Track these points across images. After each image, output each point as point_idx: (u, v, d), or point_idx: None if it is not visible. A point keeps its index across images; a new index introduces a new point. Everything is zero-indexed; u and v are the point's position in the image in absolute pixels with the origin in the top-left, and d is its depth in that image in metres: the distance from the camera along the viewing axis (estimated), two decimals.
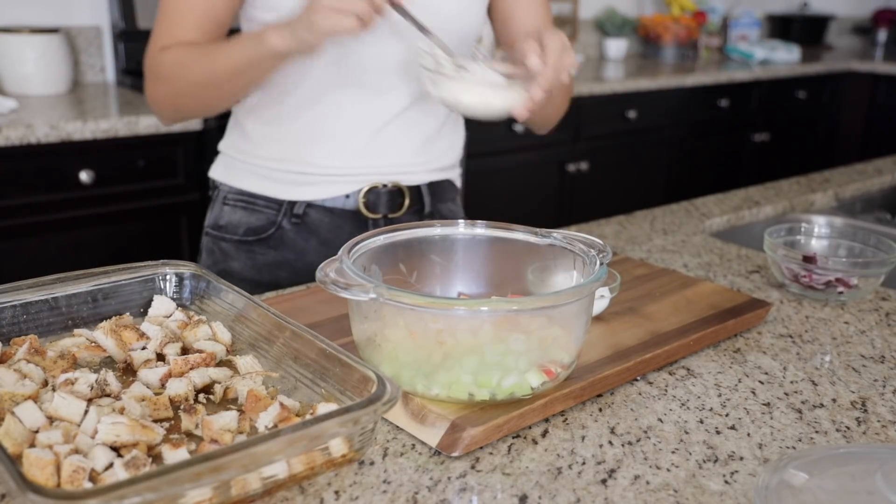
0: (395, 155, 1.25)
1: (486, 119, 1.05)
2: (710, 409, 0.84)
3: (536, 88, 1.00)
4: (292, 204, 1.25)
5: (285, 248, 1.27)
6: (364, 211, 1.25)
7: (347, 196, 1.24)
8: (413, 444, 0.76)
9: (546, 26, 1.28)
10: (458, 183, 1.38)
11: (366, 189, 1.24)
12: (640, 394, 0.87)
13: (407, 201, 1.27)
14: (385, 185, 1.25)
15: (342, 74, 1.19)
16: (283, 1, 1.13)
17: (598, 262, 0.82)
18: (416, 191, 1.28)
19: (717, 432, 0.80)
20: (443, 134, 1.30)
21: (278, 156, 1.23)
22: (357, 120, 1.22)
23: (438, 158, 1.30)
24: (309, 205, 1.25)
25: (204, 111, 1.24)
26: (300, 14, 1.03)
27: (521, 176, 3.06)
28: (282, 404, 0.71)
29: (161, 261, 0.94)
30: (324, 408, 0.70)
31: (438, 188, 1.32)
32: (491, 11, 1.30)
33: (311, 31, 1.02)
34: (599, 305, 0.97)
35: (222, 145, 1.32)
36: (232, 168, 1.29)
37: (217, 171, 1.32)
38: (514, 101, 1.02)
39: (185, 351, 0.83)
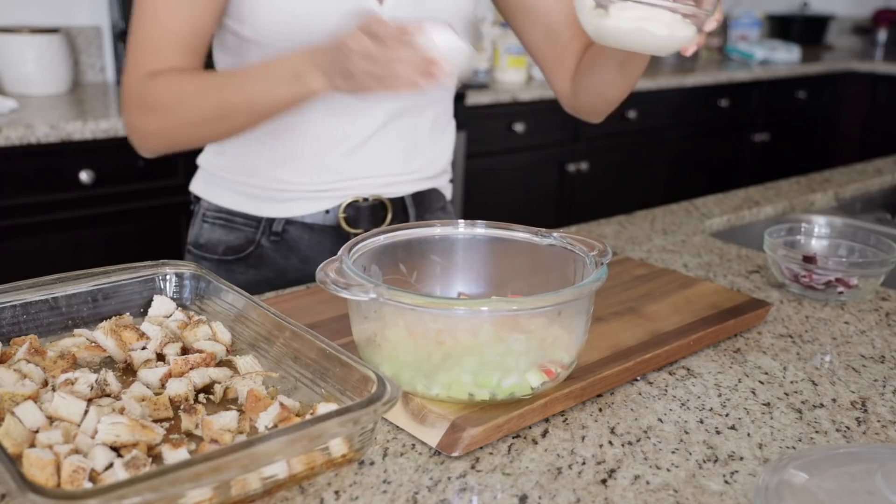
0: (376, 169, 1.19)
1: (656, 53, 0.94)
2: (710, 409, 0.84)
3: (712, 21, 0.91)
4: (270, 221, 1.20)
5: (265, 266, 1.23)
6: (345, 226, 1.20)
7: (327, 212, 1.20)
8: (413, 444, 0.76)
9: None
10: (448, 190, 1.33)
11: (346, 204, 1.19)
12: (640, 394, 0.87)
13: (390, 214, 1.22)
14: (366, 199, 1.20)
15: (314, 110, 1.13)
16: (254, 14, 1.06)
17: (598, 263, 0.82)
18: (399, 203, 1.23)
19: (717, 432, 0.80)
20: (427, 143, 1.24)
21: (254, 173, 1.18)
22: (335, 137, 1.16)
23: (423, 168, 1.24)
24: (288, 222, 1.20)
25: (201, 144, 1.16)
26: (329, 55, 0.93)
27: (521, 176, 3.07)
28: (282, 404, 0.71)
29: (161, 261, 0.94)
30: (324, 408, 0.70)
31: (424, 198, 1.27)
32: None
33: (351, 85, 0.92)
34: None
35: (200, 159, 1.27)
36: (210, 183, 1.24)
37: (197, 186, 1.27)
38: (693, 32, 0.92)
39: (185, 351, 0.83)
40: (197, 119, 1.04)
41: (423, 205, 1.27)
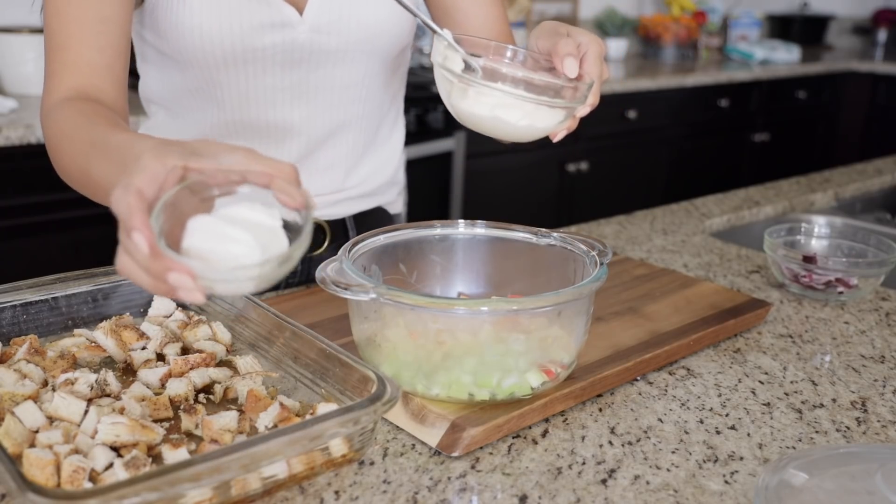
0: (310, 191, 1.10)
1: (515, 141, 0.88)
2: (710, 409, 0.84)
3: (585, 107, 0.86)
4: None
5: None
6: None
7: None
8: (413, 444, 0.76)
9: (502, 26, 1.15)
10: (398, 205, 1.27)
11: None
12: (640, 394, 0.87)
13: (328, 238, 1.15)
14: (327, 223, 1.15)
15: (242, 113, 1.05)
16: (167, 31, 0.98)
17: (598, 263, 0.82)
18: (339, 224, 1.17)
19: (717, 432, 0.80)
20: (366, 159, 1.17)
21: None
22: (265, 137, 1.07)
23: (362, 184, 1.17)
24: None
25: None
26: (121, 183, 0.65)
27: (521, 176, 3.07)
28: (282, 404, 0.71)
29: None
30: (324, 408, 0.70)
31: (367, 218, 1.19)
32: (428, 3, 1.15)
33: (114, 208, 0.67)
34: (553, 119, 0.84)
35: None
36: None
37: None
38: (559, 120, 0.85)
39: (185, 351, 0.83)
40: (67, 171, 0.94)
41: (365, 225, 1.18)
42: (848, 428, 0.82)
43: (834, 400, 0.87)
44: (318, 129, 1.10)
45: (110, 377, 0.74)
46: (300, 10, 1.02)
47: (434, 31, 0.85)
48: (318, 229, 1.14)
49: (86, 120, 0.87)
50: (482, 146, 2.88)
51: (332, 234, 1.16)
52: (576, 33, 0.89)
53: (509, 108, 0.83)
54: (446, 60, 0.84)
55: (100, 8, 0.92)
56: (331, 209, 1.15)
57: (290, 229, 0.64)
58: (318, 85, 1.07)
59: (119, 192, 0.62)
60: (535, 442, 0.77)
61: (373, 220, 1.21)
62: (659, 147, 3.54)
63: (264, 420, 0.71)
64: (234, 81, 1.03)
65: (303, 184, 0.68)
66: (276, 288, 1.20)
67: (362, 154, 1.16)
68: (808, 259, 1.13)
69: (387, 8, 1.06)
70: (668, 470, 0.73)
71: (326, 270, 0.76)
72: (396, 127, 1.24)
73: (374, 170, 1.19)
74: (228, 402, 0.77)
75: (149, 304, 0.91)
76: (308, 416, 0.70)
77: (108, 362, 0.83)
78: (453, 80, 0.84)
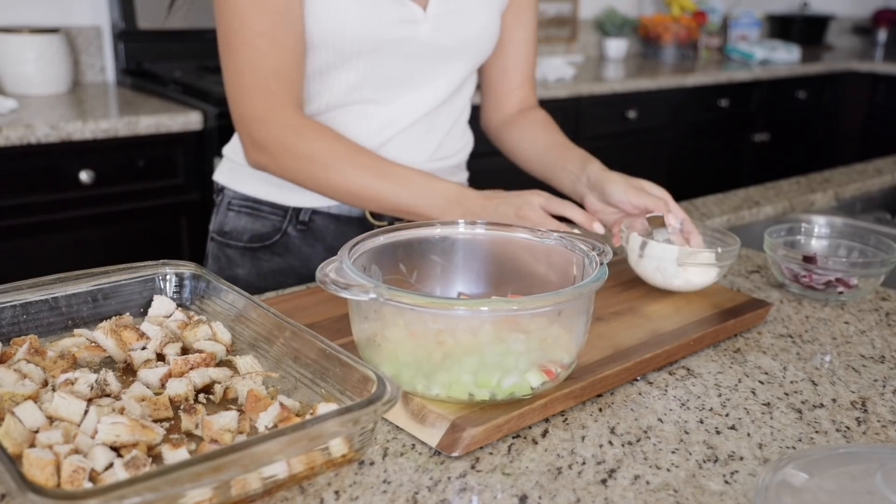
0: (402, 162, 1.23)
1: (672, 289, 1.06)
2: (710, 409, 0.84)
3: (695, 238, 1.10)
4: (297, 210, 1.24)
5: (290, 254, 1.26)
6: (370, 218, 1.25)
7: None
8: (413, 444, 0.76)
9: (530, 74, 1.37)
10: (464, 183, 1.39)
11: None
12: (640, 394, 0.87)
13: None
14: None
15: (360, 92, 1.19)
16: (310, 21, 1.10)
17: (598, 263, 0.82)
18: None
19: (717, 432, 0.80)
20: (448, 141, 1.30)
21: None
22: (364, 132, 1.21)
23: (444, 160, 1.30)
24: (314, 211, 1.24)
25: (309, 190, 1.17)
26: (480, 202, 1.06)
27: (521, 176, 3.06)
28: (282, 404, 0.71)
29: (161, 261, 0.94)
30: (324, 408, 0.70)
31: None
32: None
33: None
34: (707, 277, 1.05)
35: (227, 149, 1.30)
36: (236, 172, 1.27)
37: (221, 175, 1.30)
38: (711, 279, 1.06)
39: (185, 351, 0.83)
40: (335, 184, 1.10)
41: None
42: (848, 428, 0.82)
43: (834, 400, 0.87)
44: (413, 116, 1.23)
45: (110, 377, 0.74)
46: (423, 7, 1.17)
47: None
48: None
49: (353, 145, 1.10)
50: (482, 146, 2.88)
51: None
52: (649, 187, 1.13)
53: (702, 274, 1.05)
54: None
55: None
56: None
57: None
58: (427, 76, 1.21)
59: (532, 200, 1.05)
60: (535, 442, 0.77)
61: None
62: (659, 147, 3.54)
63: (264, 420, 0.71)
64: (357, 67, 1.16)
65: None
66: (301, 276, 1.25)
67: (448, 134, 1.30)
68: (808, 259, 1.13)
69: (490, 14, 1.23)
70: (668, 470, 0.73)
71: (326, 270, 0.76)
72: (467, 123, 1.39)
73: (456, 151, 1.34)
74: (228, 402, 0.77)
75: (149, 304, 0.90)
76: (308, 416, 0.70)
77: (108, 362, 0.83)
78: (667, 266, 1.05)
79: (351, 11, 1.10)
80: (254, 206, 1.26)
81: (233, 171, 1.28)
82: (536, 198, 1.05)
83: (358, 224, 1.25)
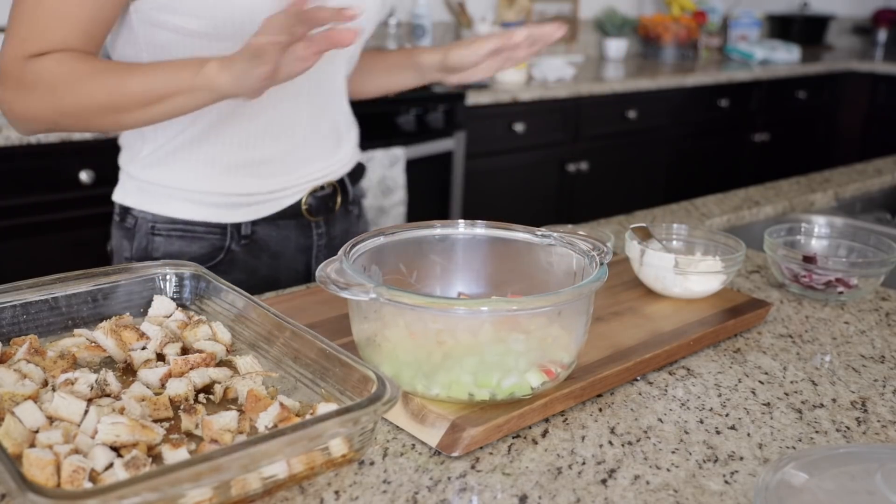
0: (324, 153, 1.24)
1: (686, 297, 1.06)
2: (710, 409, 0.84)
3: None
4: (237, 226, 1.19)
5: (236, 270, 1.20)
6: (307, 216, 1.23)
7: (291, 206, 1.21)
8: (413, 444, 0.76)
9: None
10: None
11: (306, 195, 1.22)
12: (640, 394, 0.87)
13: (339, 197, 1.27)
14: (323, 188, 1.24)
15: (250, 112, 1.13)
16: (213, 6, 1.02)
17: (598, 263, 0.82)
18: (341, 183, 1.28)
19: (717, 432, 0.80)
20: (345, 131, 1.28)
21: (213, 184, 1.15)
22: (288, 141, 1.18)
23: (349, 150, 1.30)
24: (254, 223, 1.20)
25: (83, 131, 1.10)
26: (241, 57, 0.92)
27: (521, 176, 3.07)
28: (282, 404, 0.71)
29: (161, 261, 0.94)
30: (324, 408, 0.70)
31: (354, 173, 1.32)
32: None
33: (259, 80, 0.93)
34: (709, 285, 1.04)
35: (129, 166, 1.19)
36: (152, 195, 1.17)
37: (129, 197, 1.19)
38: (716, 286, 1.05)
39: (185, 351, 0.83)
40: (86, 104, 0.99)
41: (353, 178, 1.32)
42: (848, 428, 0.82)
43: (834, 400, 0.87)
44: (318, 98, 1.20)
45: (110, 377, 0.74)
46: None
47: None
48: (333, 191, 1.27)
49: (88, 57, 1.00)
50: (482, 146, 2.88)
51: (342, 194, 1.29)
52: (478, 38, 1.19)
53: (702, 282, 1.05)
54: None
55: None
56: (335, 173, 1.27)
57: None
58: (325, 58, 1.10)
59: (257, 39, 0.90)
60: (535, 442, 0.77)
61: (354, 174, 1.32)
62: (659, 147, 3.54)
63: (264, 420, 0.71)
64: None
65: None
66: (248, 288, 1.21)
67: (345, 125, 1.29)
68: (808, 259, 1.13)
69: None
70: (668, 470, 0.73)
71: (326, 270, 0.76)
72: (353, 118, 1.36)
73: (352, 140, 1.32)
74: (228, 402, 0.77)
75: (149, 304, 0.91)
76: (308, 416, 0.70)
77: (108, 362, 0.83)
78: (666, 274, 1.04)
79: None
80: (186, 228, 1.17)
81: (146, 192, 1.18)
82: (266, 23, 0.91)
83: (296, 225, 1.23)
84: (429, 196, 2.77)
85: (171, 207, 1.17)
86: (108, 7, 1.01)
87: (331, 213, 1.27)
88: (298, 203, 1.22)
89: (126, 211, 1.20)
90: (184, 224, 1.17)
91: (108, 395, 0.74)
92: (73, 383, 0.73)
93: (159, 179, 1.16)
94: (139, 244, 1.19)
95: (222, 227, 1.18)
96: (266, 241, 1.22)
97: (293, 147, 1.19)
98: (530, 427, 0.79)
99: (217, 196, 1.16)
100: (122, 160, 1.21)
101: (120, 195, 1.21)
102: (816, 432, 0.81)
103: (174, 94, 0.97)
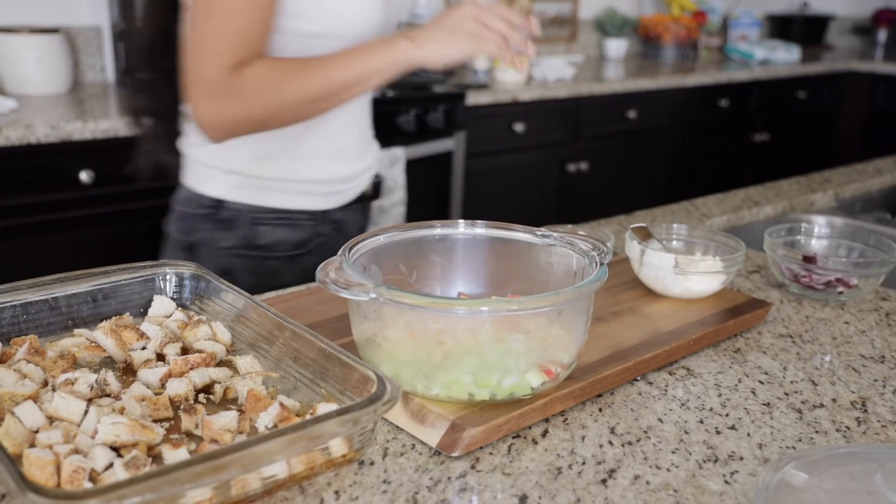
0: (373, 138, 1.41)
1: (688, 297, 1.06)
2: (710, 409, 0.84)
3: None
4: (327, 212, 1.32)
5: (326, 252, 1.30)
6: (367, 200, 1.40)
7: (363, 190, 1.39)
8: (413, 444, 0.76)
9: None
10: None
11: (370, 183, 1.39)
12: (640, 394, 0.87)
13: (382, 187, 1.45)
14: (376, 176, 1.42)
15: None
16: (329, 8, 1.17)
17: (598, 263, 0.82)
18: (379, 177, 1.44)
19: (717, 432, 0.80)
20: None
21: (313, 173, 1.28)
22: (363, 117, 1.34)
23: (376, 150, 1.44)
24: (340, 209, 1.34)
25: (284, 125, 1.20)
26: (440, 33, 1.12)
27: (521, 176, 3.07)
28: (282, 404, 0.71)
29: (161, 261, 0.94)
30: (324, 408, 0.70)
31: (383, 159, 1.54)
32: None
33: (463, 53, 1.12)
34: (709, 285, 1.04)
35: (230, 164, 1.26)
36: (255, 188, 1.26)
37: (229, 192, 1.26)
38: (715, 288, 1.05)
39: (185, 351, 0.83)
40: (299, 100, 1.13)
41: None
42: (848, 428, 0.82)
43: (834, 400, 0.87)
44: (358, 116, 1.35)
45: (110, 377, 0.74)
46: None
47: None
48: (377, 182, 1.43)
49: (289, 60, 1.15)
50: (482, 146, 2.88)
51: (382, 185, 1.46)
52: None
53: (702, 282, 1.05)
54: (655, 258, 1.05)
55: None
56: (375, 167, 1.43)
57: None
58: None
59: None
60: (535, 442, 0.77)
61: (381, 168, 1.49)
62: (659, 147, 3.54)
63: (264, 420, 0.71)
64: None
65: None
66: (275, 287, 1.22)
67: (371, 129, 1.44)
68: (808, 259, 1.13)
69: None
70: (668, 470, 0.73)
71: (326, 270, 0.76)
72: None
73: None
74: (228, 402, 0.77)
75: (149, 304, 0.90)
76: (308, 416, 0.70)
77: (108, 362, 0.83)
78: (666, 274, 1.04)
79: (362, 7, 1.21)
80: (288, 216, 1.28)
81: (248, 186, 1.26)
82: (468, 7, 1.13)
83: (361, 209, 1.39)
84: (429, 196, 2.77)
85: (274, 199, 1.28)
86: (272, 13, 1.14)
87: (376, 197, 1.42)
88: (365, 187, 1.39)
89: (220, 204, 1.27)
90: (286, 213, 1.28)
91: (108, 395, 0.74)
92: (73, 383, 0.73)
93: (265, 173, 1.26)
94: (242, 234, 1.28)
95: (317, 214, 1.31)
96: (345, 224, 1.36)
97: (365, 131, 1.36)
98: (530, 427, 0.79)
99: (316, 185, 1.29)
100: (215, 159, 1.27)
101: (215, 190, 1.28)
102: (816, 432, 0.81)
103: (372, 74, 1.13)
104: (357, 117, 1.32)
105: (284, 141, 1.25)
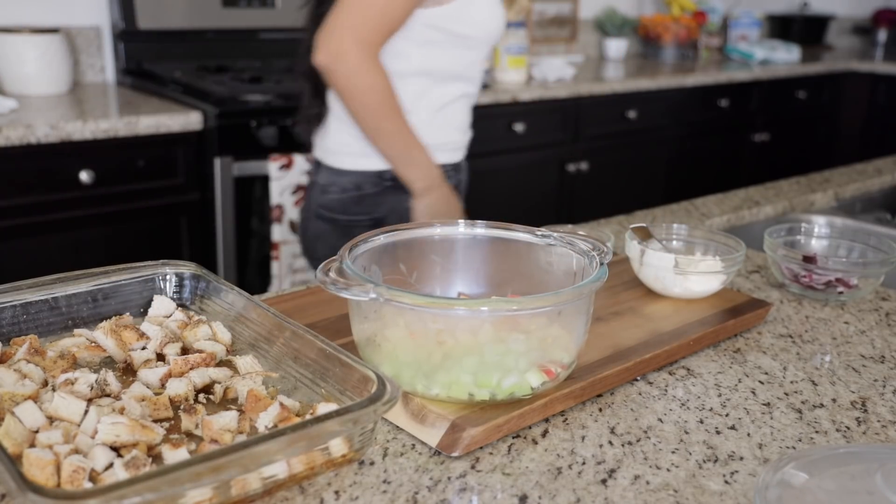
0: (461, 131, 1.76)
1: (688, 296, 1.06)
2: (710, 409, 0.84)
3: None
4: (456, 165, 1.76)
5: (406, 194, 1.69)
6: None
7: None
8: (413, 444, 0.76)
9: None
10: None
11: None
12: (640, 394, 0.87)
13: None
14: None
15: (454, 101, 1.67)
16: (477, 17, 1.53)
17: (598, 263, 0.82)
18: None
19: (717, 432, 0.80)
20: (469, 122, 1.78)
21: (450, 137, 1.69)
22: (463, 112, 1.70)
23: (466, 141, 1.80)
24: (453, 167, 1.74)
25: (354, 122, 1.58)
26: (449, 203, 1.63)
27: (521, 176, 3.06)
28: (282, 404, 0.71)
29: (161, 261, 0.94)
30: (324, 408, 0.70)
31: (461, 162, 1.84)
32: None
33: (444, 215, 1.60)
34: (709, 286, 1.05)
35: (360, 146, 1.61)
36: (370, 156, 1.61)
37: (368, 161, 1.61)
38: (716, 286, 1.05)
39: (185, 351, 0.83)
40: (370, 122, 1.51)
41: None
42: (848, 428, 0.82)
43: (834, 400, 0.87)
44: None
45: (110, 377, 0.74)
46: None
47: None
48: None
49: (395, 99, 1.52)
50: (482, 146, 2.88)
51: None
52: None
53: (702, 282, 1.05)
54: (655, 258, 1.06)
55: None
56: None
57: None
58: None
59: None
60: (535, 442, 0.77)
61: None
62: (659, 147, 3.54)
63: (264, 420, 0.71)
64: (479, 57, 1.63)
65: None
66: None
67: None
68: (808, 259, 1.13)
69: None
70: (668, 470, 0.73)
71: (326, 270, 0.76)
72: None
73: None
74: (228, 402, 0.77)
75: (149, 304, 0.91)
76: (308, 416, 0.70)
77: (108, 362, 0.83)
78: (666, 274, 1.05)
79: (497, 12, 1.60)
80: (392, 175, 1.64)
81: (366, 154, 1.61)
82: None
83: (454, 169, 1.74)
84: None
85: (377, 161, 1.62)
86: (410, 10, 1.47)
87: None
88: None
89: (379, 175, 1.64)
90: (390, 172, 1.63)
91: (108, 395, 0.74)
92: (73, 383, 0.73)
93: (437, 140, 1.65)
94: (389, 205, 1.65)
95: (452, 166, 1.73)
96: (458, 182, 1.77)
97: (455, 115, 1.72)
98: (530, 427, 0.79)
99: (451, 146, 1.70)
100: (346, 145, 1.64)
101: (355, 163, 1.63)
102: (816, 432, 0.81)
103: (397, 163, 1.57)
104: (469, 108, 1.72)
105: (435, 112, 1.63)
